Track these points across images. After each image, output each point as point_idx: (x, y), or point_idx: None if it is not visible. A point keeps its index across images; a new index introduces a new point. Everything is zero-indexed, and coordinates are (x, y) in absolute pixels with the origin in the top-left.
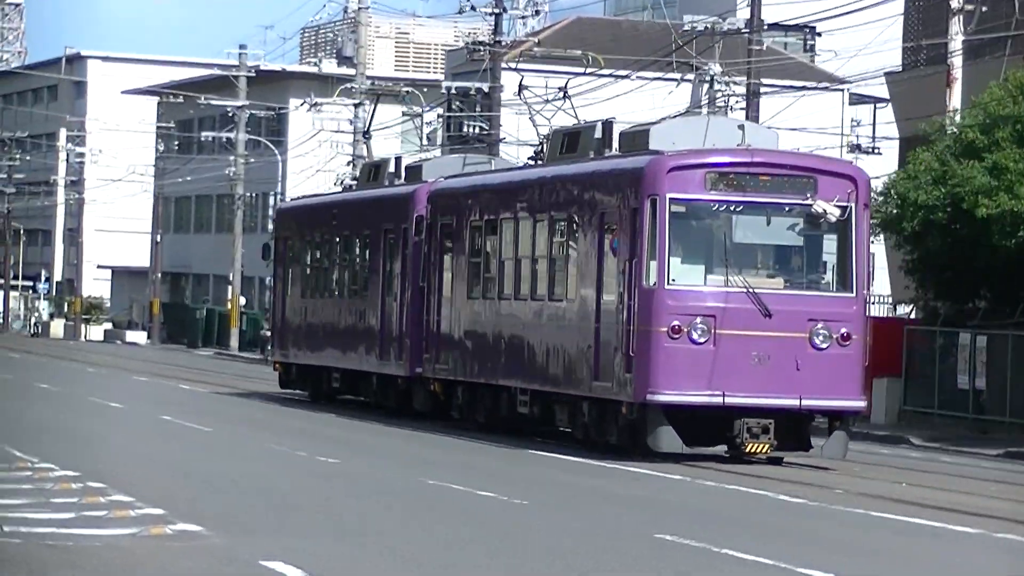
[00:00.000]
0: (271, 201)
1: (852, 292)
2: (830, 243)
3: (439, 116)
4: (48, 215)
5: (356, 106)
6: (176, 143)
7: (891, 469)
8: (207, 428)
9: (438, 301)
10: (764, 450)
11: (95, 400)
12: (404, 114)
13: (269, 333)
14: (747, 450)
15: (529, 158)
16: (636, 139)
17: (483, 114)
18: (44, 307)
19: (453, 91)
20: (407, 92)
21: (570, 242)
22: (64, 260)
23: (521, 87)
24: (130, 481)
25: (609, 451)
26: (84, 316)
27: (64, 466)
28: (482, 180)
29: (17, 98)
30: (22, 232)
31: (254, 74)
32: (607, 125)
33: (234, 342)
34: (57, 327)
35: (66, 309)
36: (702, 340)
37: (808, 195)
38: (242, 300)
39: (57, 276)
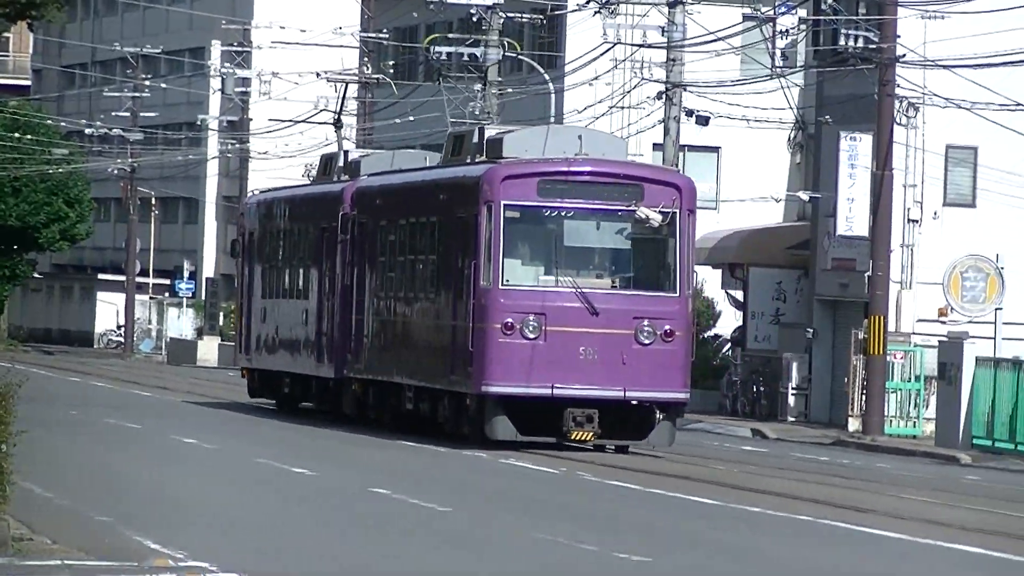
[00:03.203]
0: None
1: (676, 292)
2: (655, 246)
3: (800, 21)
4: (194, 176)
5: (671, 6)
6: (391, 64)
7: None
8: (443, 507)
9: (358, 301)
10: (588, 438)
11: (265, 463)
12: (746, 18)
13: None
14: (572, 437)
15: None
16: (495, 146)
17: (868, 18)
18: (187, 318)
19: None
20: None
21: (438, 244)
22: (218, 247)
23: (440, 75)
24: None
25: (463, 441)
26: None
27: (226, 566)
28: (388, 181)
29: None
30: (154, 203)
31: None
32: (481, 131)
33: None
34: (208, 348)
35: (221, 322)
36: (533, 336)
37: (634, 201)
38: None
39: (207, 271)
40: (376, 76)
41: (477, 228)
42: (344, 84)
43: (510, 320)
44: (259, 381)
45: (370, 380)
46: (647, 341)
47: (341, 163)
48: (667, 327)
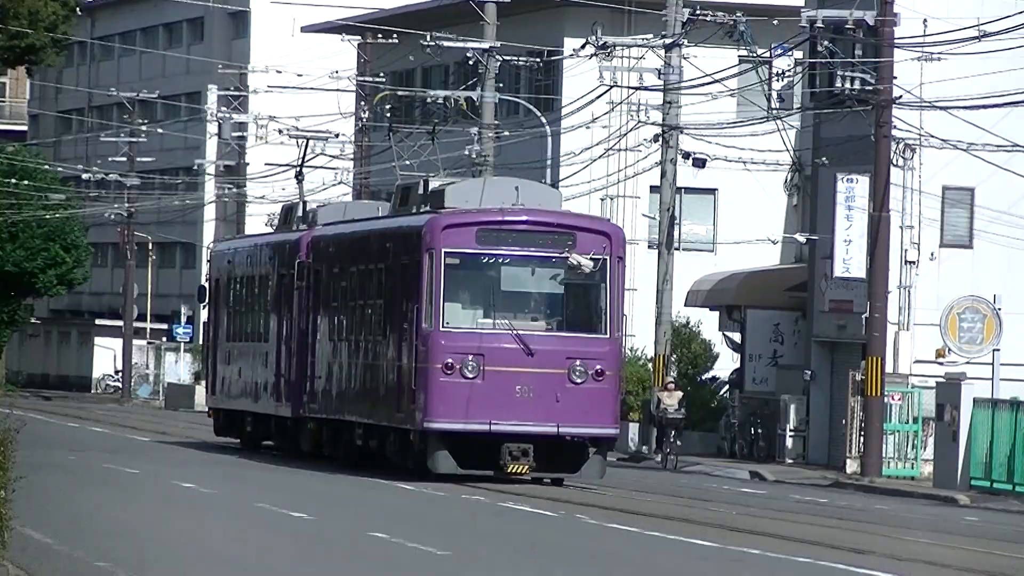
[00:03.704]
0: None
1: (606, 334)
2: (587, 291)
3: (796, 63)
4: (191, 220)
5: (667, 48)
6: (388, 107)
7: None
8: (441, 551)
9: (313, 344)
10: (523, 471)
11: (264, 507)
12: (742, 60)
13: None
14: (508, 470)
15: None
16: (438, 197)
17: (865, 60)
18: (184, 363)
19: (819, 23)
20: (745, 26)
21: (385, 290)
22: None
23: (391, 128)
24: None
25: (409, 474)
26: None
27: None
28: (341, 230)
29: (142, 38)
30: (151, 247)
31: None
32: (426, 183)
33: None
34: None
35: None
36: (472, 375)
37: (567, 249)
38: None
39: (205, 315)
40: (337, 133)
41: (420, 274)
42: (305, 140)
43: (450, 360)
44: (224, 420)
45: (324, 419)
46: (579, 380)
47: (300, 213)
48: (598, 367)
